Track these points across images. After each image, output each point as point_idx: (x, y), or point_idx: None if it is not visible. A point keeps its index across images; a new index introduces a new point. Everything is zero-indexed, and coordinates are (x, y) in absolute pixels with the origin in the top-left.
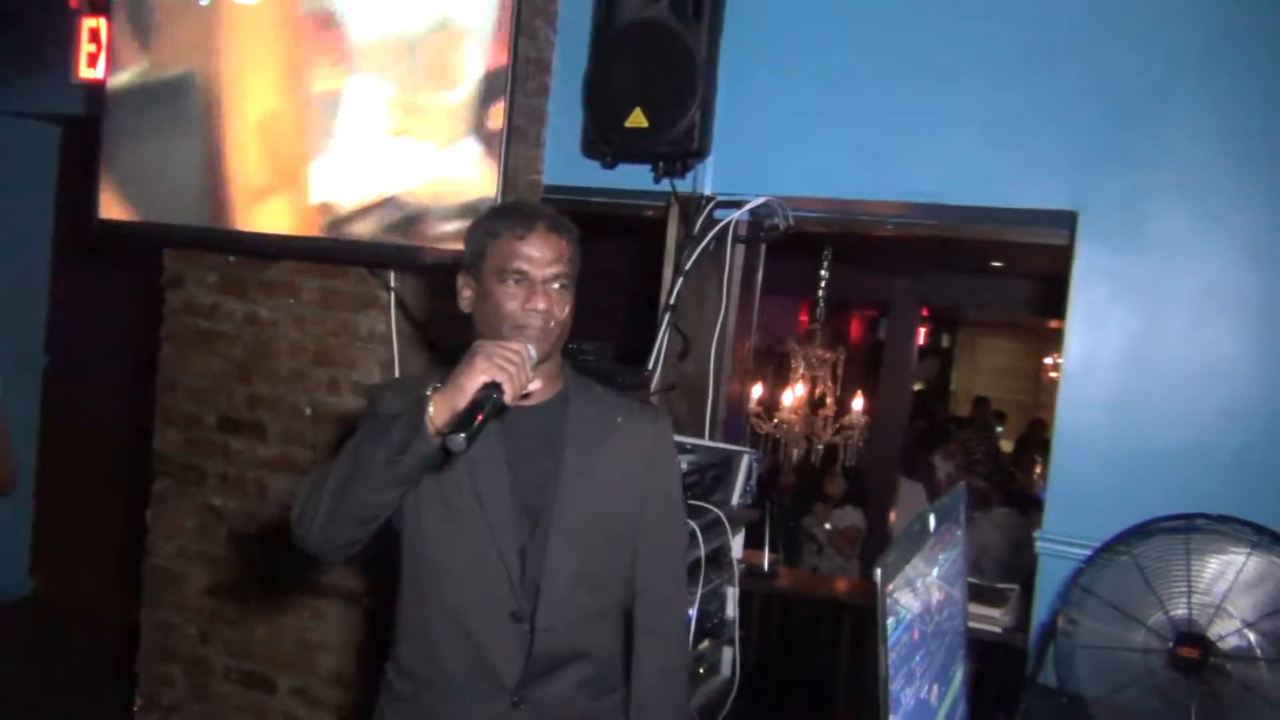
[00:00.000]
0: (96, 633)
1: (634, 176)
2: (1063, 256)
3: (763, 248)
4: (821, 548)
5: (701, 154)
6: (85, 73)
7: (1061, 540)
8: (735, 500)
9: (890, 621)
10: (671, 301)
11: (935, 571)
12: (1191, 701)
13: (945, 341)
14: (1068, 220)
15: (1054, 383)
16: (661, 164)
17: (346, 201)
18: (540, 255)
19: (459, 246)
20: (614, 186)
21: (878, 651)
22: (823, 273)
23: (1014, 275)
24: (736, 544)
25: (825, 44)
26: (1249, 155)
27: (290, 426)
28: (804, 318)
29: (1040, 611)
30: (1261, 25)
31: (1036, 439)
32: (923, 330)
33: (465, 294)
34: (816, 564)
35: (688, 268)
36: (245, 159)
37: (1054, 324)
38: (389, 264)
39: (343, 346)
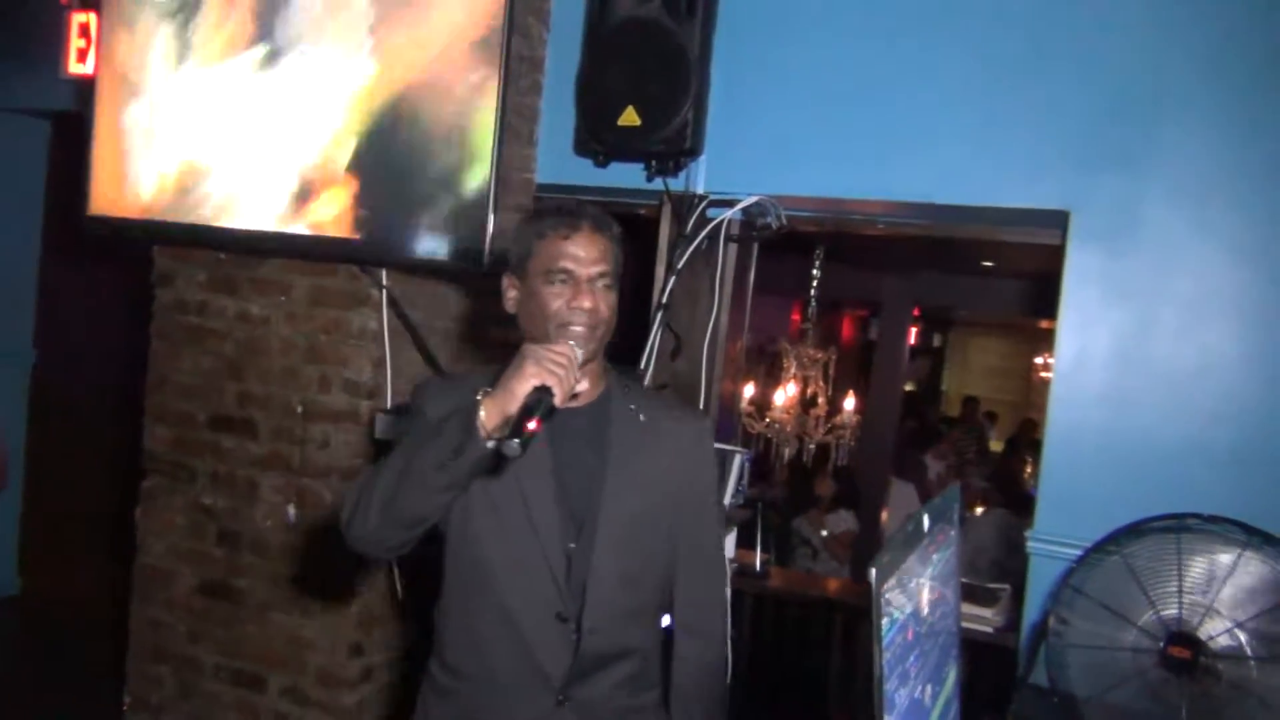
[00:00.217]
0: (85, 631)
1: (627, 175)
2: (1054, 256)
3: (755, 247)
4: (816, 552)
5: (694, 153)
6: (75, 68)
7: (1053, 540)
8: (728, 500)
9: (885, 622)
10: (664, 300)
11: (929, 572)
12: (1182, 701)
13: (937, 341)
14: (1059, 220)
15: (1044, 382)
16: (654, 163)
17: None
18: (585, 254)
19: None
20: (607, 185)
21: (872, 652)
22: (814, 272)
23: (1005, 275)
24: (728, 544)
25: (818, 43)
26: (1241, 155)
27: (281, 424)
28: (796, 317)
29: (1031, 611)
30: (1255, 26)
31: (1027, 439)
32: (914, 330)
33: (510, 294)
34: (811, 568)
35: (680, 266)
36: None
37: (1045, 324)
38: (380, 261)
39: (334, 344)
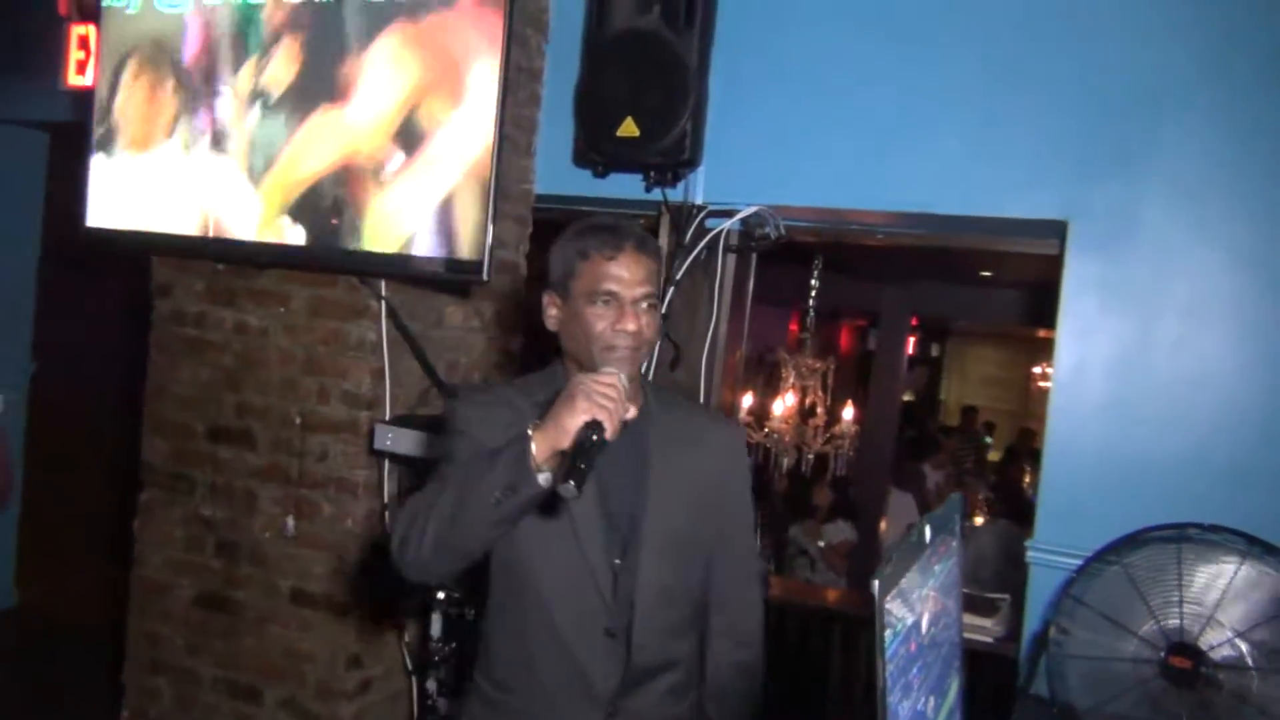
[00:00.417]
0: (83, 643)
1: (625, 186)
2: (1053, 266)
3: (754, 257)
4: (814, 562)
5: (693, 163)
6: (74, 79)
7: (1053, 550)
8: None
9: (888, 634)
10: (663, 310)
11: (931, 583)
12: (1183, 712)
13: (935, 351)
14: (1058, 229)
15: (1042, 392)
16: (653, 173)
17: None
18: (630, 276)
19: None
20: (605, 196)
21: (875, 664)
22: (813, 282)
23: (1003, 285)
24: None
25: (816, 53)
26: (1239, 163)
27: (280, 435)
28: (794, 327)
29: (1032, 621)
30: (1251, 33)
31: (1025, 448)
32: (912, 340)
33: (551, 312)
34: (809, 578)
35: (679, 277)
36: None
37: (1043, 333)
38: (379, 273)
39: (333, 355)
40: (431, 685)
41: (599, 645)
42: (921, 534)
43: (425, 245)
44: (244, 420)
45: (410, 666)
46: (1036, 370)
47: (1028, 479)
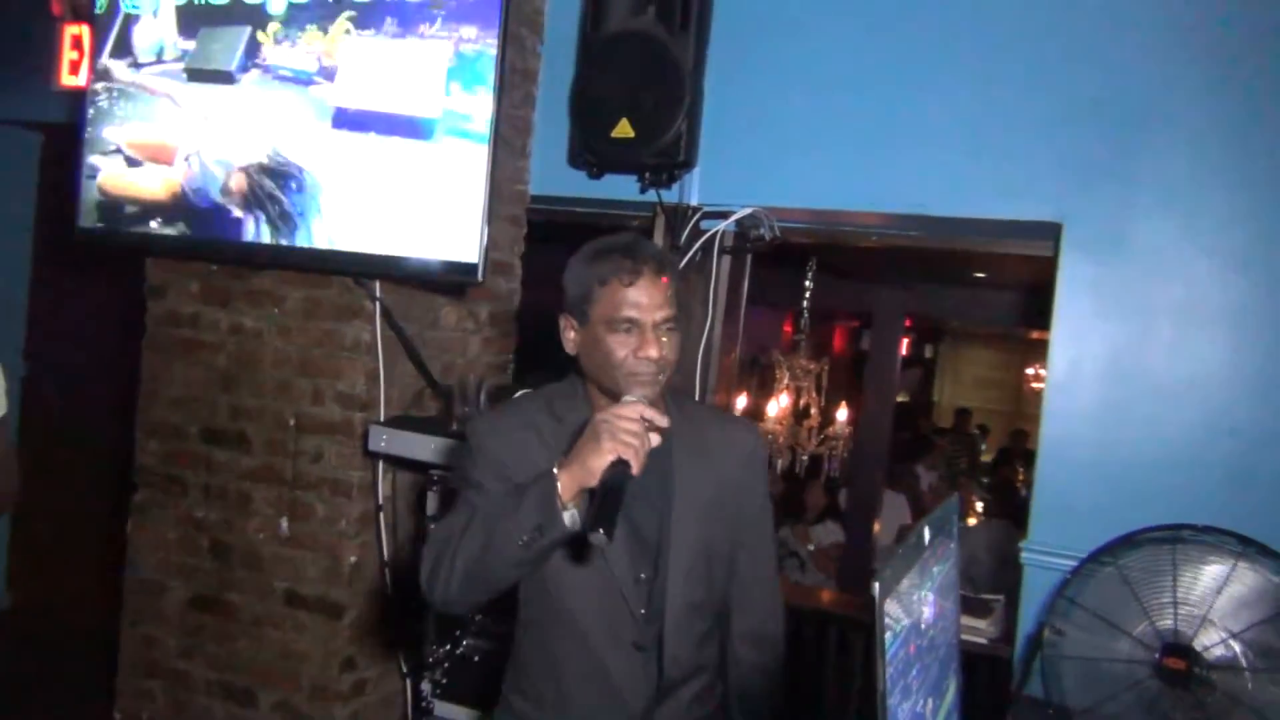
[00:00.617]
0: (76, 646)
1: (620, 187)
2: (1047, 268)
3: (748, 258)
4: (804, 564)
5: (688, 165)
6: (67, 80)
7: (1047, 551)
8: None
9: (888, 636)
10: None
11: (930, 585)
12: (1178, 712)
13: (928, 352)
14: (1052, 232)
15: (1036, 393)
16: (648, 174)
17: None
18: (649, 300)
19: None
20: (600, 197)
21: (875, 666)
22: (807, 283)
23: (997, 286)
24: None
25: (811, 56)
26: (1233, 167)
27: (274, 437)
28: (788, 328)
29: (1026, 623)
30: (1246, 39)
31: (1018, 449)
32: (906, 341)
33: (569, 335)
34: (800, 579)
35: None
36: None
37: (1036, 335)
38: (374, 274)
39: (327, 356)
40: (426, 687)
41: (630, 659)
42: (921, 536)
43: (420, 246)
44: (238, 422)
45: (405, 668)
46: (1030, 372)
47: (1021, 478)
